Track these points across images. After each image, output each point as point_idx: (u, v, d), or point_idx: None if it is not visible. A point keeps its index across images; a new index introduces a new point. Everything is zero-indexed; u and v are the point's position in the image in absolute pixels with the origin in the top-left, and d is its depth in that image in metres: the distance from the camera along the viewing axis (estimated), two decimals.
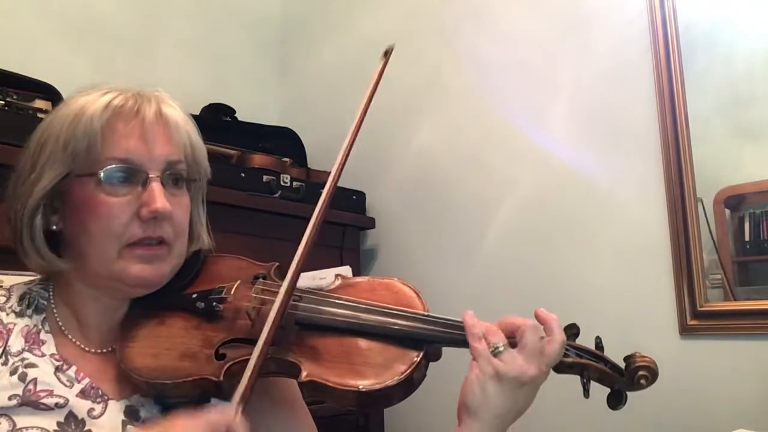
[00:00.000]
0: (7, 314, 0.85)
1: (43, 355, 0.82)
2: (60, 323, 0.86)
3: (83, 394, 0.81)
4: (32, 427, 0.76)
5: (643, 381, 0.83)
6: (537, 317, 0.86)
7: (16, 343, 0.82)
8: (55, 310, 0.87)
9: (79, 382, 0.82)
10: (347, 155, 0.88)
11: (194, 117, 0.94)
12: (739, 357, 1.46)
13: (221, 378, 0.79)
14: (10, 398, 0.77)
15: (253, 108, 2.28)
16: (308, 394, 0.80)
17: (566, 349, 0.85)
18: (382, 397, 0.78)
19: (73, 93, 0.87)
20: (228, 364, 0.80)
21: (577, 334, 0.88)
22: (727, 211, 1.55)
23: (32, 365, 0.81)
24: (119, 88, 0.86)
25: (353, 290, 0.90)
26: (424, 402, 1.93)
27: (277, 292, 0.83)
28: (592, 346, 0.88)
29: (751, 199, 1.53)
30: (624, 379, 0.85)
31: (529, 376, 0.80)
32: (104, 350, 0.87)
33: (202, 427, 0.68)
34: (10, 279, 1.13)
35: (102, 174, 0.81)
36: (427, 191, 2.04)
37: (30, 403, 0.78)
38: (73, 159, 0.81)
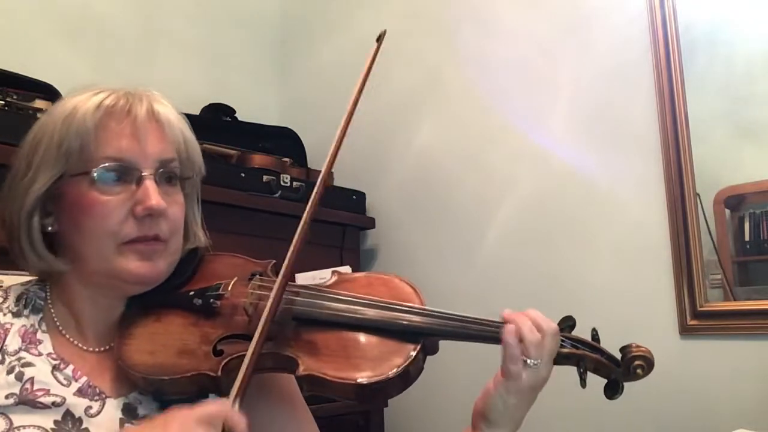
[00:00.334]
0: (4, 314, 0.85)
1: (40, 354, 0.82)
2: (57, 323, 0.87)
3: (80, 392, 0.81)
4: (29, 426, 0.76)
5: (639, 371, 0.85)
6: (511, 317, 0.89)
7: (13, 342, 0.82)
8: (52, 310, 0.87)
9: (76, 380, 0.82)
10: (341, 140, 0.89)
11: (194, 117, 0.94)
12: (739, 357, 1.46)
13: (219, 373, 0.79)
14: (7, 397, 0.77)
15: (253, 108, 2.28)
16: (306, 388, 0.80)
17: (562, 340, 0.88)
18: (380, 390, 0.79)
19: (66, 94, 0.87)
20: (226, 360, 0.80)
21: (573, 327, 0.89)
22: (727, 211, 1.55)
23: (29, 364, 0.81)
24: (111, 87, 0.87)
25: (350, 285, 0.91)
26: (424, 401, 1.93)
27: (272, 288, 0.83)
28: (588, 338, 0.90)
29: (751, 199, 1.53)
30: (620, 369, 0.87)
31: (544, 380, 0.85)
32: (102, 349, 0.87)
33: (199, 420, 0.68)
34: (10, 279, 1.13)
35: (95, 173, 0.81)
36: (427, 191, 2.04)
37: (27, 402, 0.78)
38: (67, 159, 0.81)
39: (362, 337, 0.83)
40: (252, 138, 2.11)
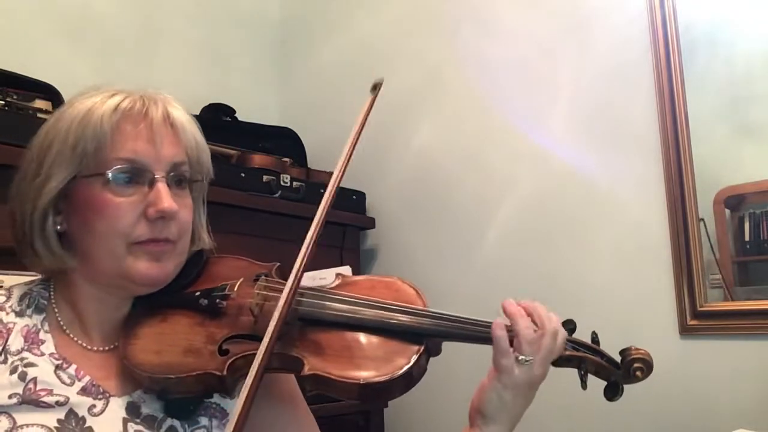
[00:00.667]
0: (7, 314, 0.85)
1: (42, 354, 0.82)
2: (61, 322, 0.87)
3: (84, 391, 0.81)
4: (32, 425, 0.77)
5: (638, 373, 0.87)
6: (533, 314, 0.89)
7: (15, 342, 0.82)
8: (56, 309, 0.87)
9: (79, 380, 0.82)
10: (338, 184, 0.90)
11: (194, 117, 0.94)
12: (739, 357, 1.46)
13: (225, 372, 0.80)
14: (10, 396, 0.78)
15: (253, 108, 2.29)
16: (311, 387, 0.81)
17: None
18: (384, 390, 0.80)
19: (76, 95, 0.87)
20: (231, 359, 0.81)
21: (573, 330, 0.91)
22: (727, 211, 1.55)
23: (32, 364, 0.81)
24: (125, 90, 0.87)
25: (354, 288, 0.92)
26: (425, 402, 1.93)
27: (279, 290, 0.84)
28: (588, 340, 0.91)
29: (751, 199, 1.53)
30: (620, 371, 0.88)
31: (540, 377, 0.85)
32: (106, 348, 0.87)
33: None
34: (10, 279, 1.13)
35: (110, 174, 0.81)
36: (427, 191, 2.05)
37: (30, 401, 0.78)
38: (81, 160, 0.82)
39: (366, 338, 0.84)
40: (252, 138, 2.11)
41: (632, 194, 1.65)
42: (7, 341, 0.82)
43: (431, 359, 0.85)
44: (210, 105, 2.12)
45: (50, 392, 0.79)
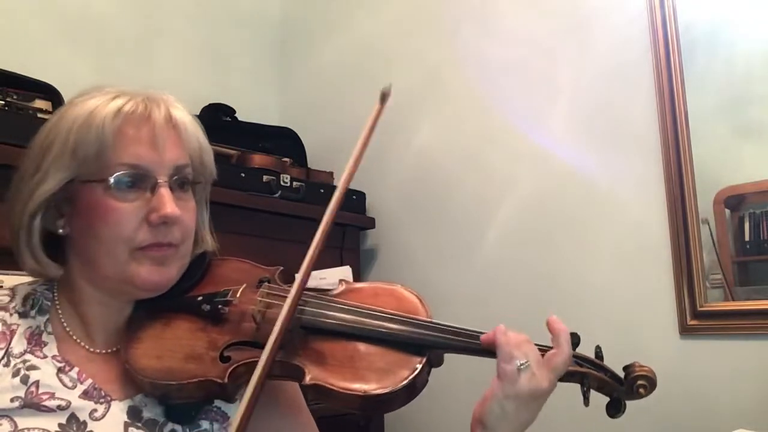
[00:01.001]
0: (11, 314, 0.85)
1: (45, 356, 0.82)
2: (64, 324, 0.86)
3: (86, 395, 0.81)
4: (34, 429, 0.76)
5: (642, 390, 0.85)
6: (549, 325, 0.87)
7: (18, 344, 0.82)
8: (59, 311, 0.87)
9: (81, 383, 0.82)
10: (341, 198, 0.89)
11: (197, 117, 0.94)
12: (739, 357, 1.46)
13: (226, 380, 0.80)
14: (12, 400, 0.78)
15: (253, 108, 2.29)
16: (312, 397, 0.80)
17: None
18: (385, 402, 0.79)
19: (79, 94, 0.87)
20: (233, 366, 0.81)
21: (577, 344, 0.88)
22: (727, 211, 1.55)
23: (34, 367, 0.81)
24: (128, 91, 0.86)
25: (357, 295, 0.91)
26: (424, 403, 1.93)
27: (282, 296, 0.84)
28: (592, 354, 0.89)
29: (751, 199, 1.53)
30: (623, 388, 0.86)
31: (543, 391, 0.82)
32: (108, 351, 0.87)
33: None
34: (11, 279, 1.13)
35: (112, 180, 0.81)
36: (427, 191, 2.04)
37: (32, 405, 0.78)
38: (81, 164, 0.81)
39: (369, 348, 0.83)
40: (252, 138, 2.11)
41: (632, 194, 1.65)
42: (10, 343, 0.82)
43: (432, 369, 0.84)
44: (210, 105, 2.12)
45: (52, 396, 0.79)
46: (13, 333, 0.83)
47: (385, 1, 2.25)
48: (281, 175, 1.91)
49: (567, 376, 0.86)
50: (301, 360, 0.81)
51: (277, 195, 1.88)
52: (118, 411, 0.82)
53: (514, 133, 1.86)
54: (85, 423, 0.79)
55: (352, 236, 2.09)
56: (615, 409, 0.87)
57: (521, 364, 0.81)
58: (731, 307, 1.49)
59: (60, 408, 0.79)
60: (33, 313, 0.86)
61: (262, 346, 0.77)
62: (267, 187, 1.87)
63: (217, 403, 0.88)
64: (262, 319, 0.85)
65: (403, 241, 2.09)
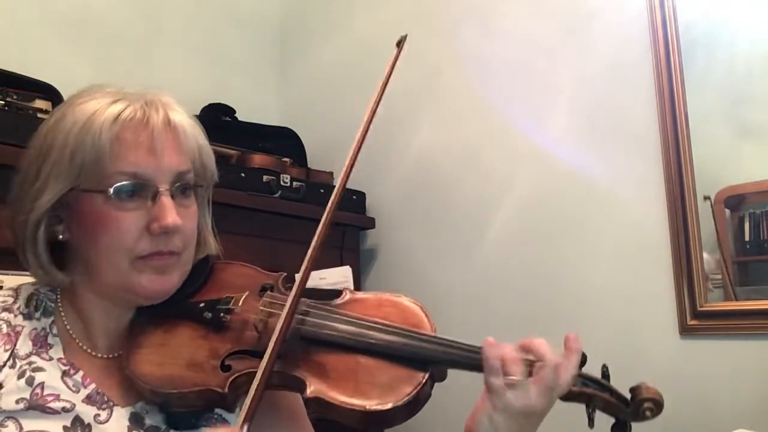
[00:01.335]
0: (15, 316, 0.84)
1: (51, 359, 0.82)
2: (68, 327, 0.86)
3: (89, 399, 0.81)
4: (39, 431, 0.76)
5: (648, 413, 0.82)
6: (566, 342, 0.82)
7: (24, 346, 0.82)
8: (62, 314, 0.87)
9: (85, 387, 0.82)
10: (360, 146, 0.86)
11: (196, 118, 0.93)
12: (739, 357, 1.46)
13: (226, 390, 0.79)
14: (17, 402, 0.77)
15: (253, 108, 2.28)
16: (313, 410, 0.79)
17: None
18: (387, 418, 0.78)
19: (78, 94, 0.85)
20: (233, 376, 0.80)
21: (584, 363, 0.86)
22: (727, 211, 1.54)
23: (39, 369, 0.80)
24: (127, 95, 0.85)
25: (360, 306, 0.90)
26: (423, 411, 1.93)
27: (284, 305, 0.83)
28: (598, 374, 0.86)
29: (751, 199, 1.53)
30: (629, 409, 0.84)
31: (539, 409, 0.79)
32: (110, 356, 0.86)
33: None
34: (11, 279, 1.13)
35: (111, 191, 0.80)
36: (427, 191, 2.04)
37: (37, 407, 0.78)
38: (79, 172, 0.80)
39: (371, 362, 0.82)
40: (252, 138, 2.11)
41: (632, 194, 1.65)
42: (15, 345, 0.81)
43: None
44: (210, 105, 2.12)
45: (57, 398, 0.79)
46: (18, 335, 0.82)
47: (385, 1, 2.25)
48: (281, 175, 1.91)
49: (573, 397, 0.83)
50: (302, 372, 0.80)
51: (277, 195, 1.88)
52: (121, 417, 0.82)
53: (514, 133, 1.86)
54: (89, 426, 0.79)
55: (352, 236, 2.09)
56: (620, 430, 0.85)
57: (509, 379, 0.78)
58: (731, 307, 1.49)
59: (65, 410, 0.79)
60: (38, 314, 0.85)
61: (262, 356, 0.77)
62: (267, 187, 1.87)
63: (218, 410, 0.87)
64: (263, 328, 0.84)
65: (403, 241, 2.09)
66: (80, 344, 0.86)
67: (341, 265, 1.94)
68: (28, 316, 0.85)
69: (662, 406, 0.83)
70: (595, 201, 1.70)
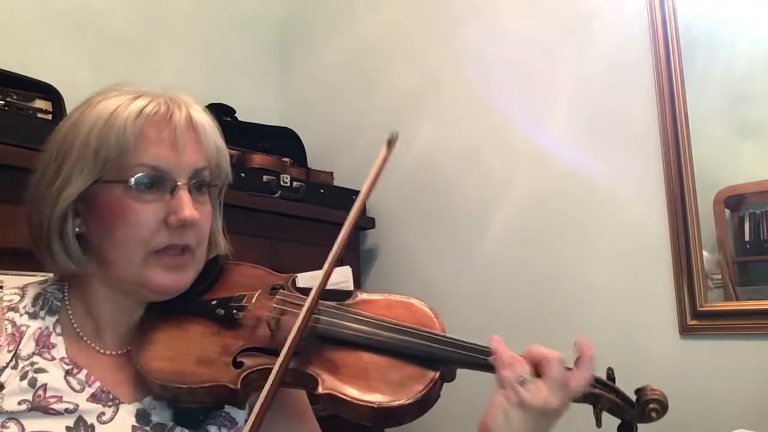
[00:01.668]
0: (21, 315, 0.84)
1: (53, 358, 0.82)
2: (75, 324, 0.86)
3: (94, 398, 0.81)
4: None
5: (653, 414, 0.85)
6: (579, 346, 0.85)
7: (27, 346, 0.82)
8: (69, 311, 0.87)
9: (89, 385, 0.81)
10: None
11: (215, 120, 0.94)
12: (739, 357, 1.46)
13: (238, 386, 0.79)
14: (19, 403, 0.77)
15: (253, 108, 2.28)
16: (324, 406, 0.80)
17: None
18: (397, 415, 0.79)
19: (97, 94, 0.86)
20: (245, 373, 0.80)
21: None
22: (727, 211, 1.55)
23: (42, 370, 0.80)
24: (148, 92, 0.86)
25: (371, 306, 0.91)
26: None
27: (297, 304, 0.84)
28: (603, 376, 0.88)
29: (751, 199, 1.53)
30: (635, 411, 0.86)
31: (553, 408, 0.80)
32: (119, 352, 0.86)
33: None
34: (11, 279, 1.13)
35: (132, 180, 0.80)
36: (427, 191, 2.05)
37: (39, 408, 0.78)
38: (104, 165, 0.81)
39: (383, 361, 0.83)
40: (252, 138, 2.11)
41: (632, 194, 1.65)
42: (19, 345, 0.81)
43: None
44: (210, 105, 2.12)
45: (60, 399, 0.79)
46: (22, 335, 0.82)
47: (385, 1, 2.25)
48: (281, 175, 1.91)
49: (580, 398, 0.85)
50: (314, 369, 0.80)
51: (277, 195, 1.88)
52: (127, 414, 0.81)
53: (514, 133, 1.87)
54: (92, 426, 0.79)
55: (352, 236, 2.09)
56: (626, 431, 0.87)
57: (520, 377, 0.80)
58: (731, 307, 1.49)
59: (68, 411, 0.78)
60: (43, 314, 0.85)
61: (275, 353, 0.77)
62: (267, 187, 1.87)
63: (226, 408, 0.87)
64: (276, 325, 0.84)
65: (403, 241, 2.09)
66: (87, 341, 0.85)
67: (341, 265, 1.93)
68: (33, 316, 0.84)
69: (667, 408, 0.86)
70: (595, 201, 1.70)
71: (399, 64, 2.16)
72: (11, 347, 0.81)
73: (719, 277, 1.53)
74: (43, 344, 0.82)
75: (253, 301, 0.88)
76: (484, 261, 1.89)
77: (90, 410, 0.80)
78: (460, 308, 1.85)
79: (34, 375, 0.79)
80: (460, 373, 0.87)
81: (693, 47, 1.58)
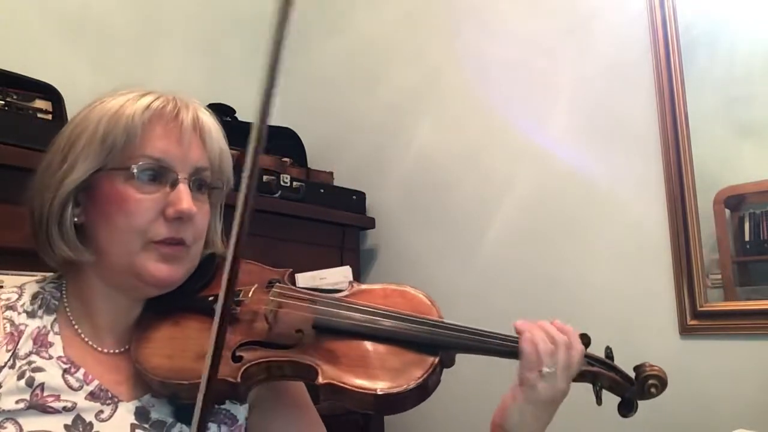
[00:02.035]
0: (19, 314, 0.84)
1: (51, 357, 0.82)
2: (73, 322, 0.86)
3: (92, 396, 0.81)
4: (39, 431, 0.76)
5: (653, 390, 0.87)
6: (558, 327, 0.89)
7: (25, 346, 0.81)
8: (68, 309, 0.87)
9: (88, 384, 0.81)
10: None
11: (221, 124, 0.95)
12: (739, 357, 1.46)
13: (238, 380, 0.79)
14: (17, 402, 0.77)
15: (253, 108, 2.28)
16: (325, 397, 0.80)
17: None
18: (399, 401, 0.79)
19: (105, 93, 0.87)
20: (245, 366, 0.81)
21: (588, 344, 0.89)
22: (727, 211, 1.55)
23: (39, 369, 0.80)
24: (157, 91, 0.88)
25: (368, 296, 0.92)
26: (426, 404, 1.93)
27: (294, 297, 0.85)
28: (602, 355, 0.91)
29: (751, 199, 1.53)
30: (634, 388, 0.88)
31: (561, 394, 0.85)
32: (117, 351, 0.87)
33: None
34: (11, 279, 1.13)
35: (135, 168, 0.82)
36: (427, 191, 2.05)
37: (37, 406, 0.78)
38: (109, 153, 0.82)
39: (381, 348, 0.83)
40: None
41: (632, 194, 1.65)
42: (17, 345, 0.81)
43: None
44: (210, 105, 2.11)
45: (57, 398, 0.79)
46: (21, 334, 0.82)
47: (385, 1, 2.25)
48: (281, 175, 1.91)
49: (579, 377, 0.88)
50: (313, 360, 0.81)
51: (277, 195, 1.88)
52: (126, 412, 0.82)
53: (514, 133, 1.87)
54: (91, 424, 0.79)
55: (352, 236, 2.09)
56: (627, 409, 0.89)
57: (546, 372, 0.83)
58: (731, 307, 1.49)
59: (66, 409, 0.78)
60: (41, 312, 0.85)
61: (274, 346, 0.77)
62: (267, 187, 1.87)
63: (227, 405, 0.88)
64: (274, 318, 0.85)
65: (403, 241, 2.09)
66: (86, 340, 0.85)
67: (341, 265, 1.94)
68: (31, 314, 0.84)
69: (666, 383, 0.88)
70: (595, 201, 1.70)
71: (399, 64, 2.16)
72: (10, 346, 0.81)
73: (719, 277, 1.53)
74: (40, 343, 0.82)
75: (250, 295, 0.88)
76: (484, 261, 1.89)
77: (88, 408, 0.80)
78: (460, 308, 1.84)
79: (32, 374, 0.79)
80: (456, 361, 0.88)
81: (693, 47, 1.58)
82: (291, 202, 1.90)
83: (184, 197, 0.83)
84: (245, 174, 0.58)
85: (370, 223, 2.13)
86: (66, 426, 0.78)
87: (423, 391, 0.80)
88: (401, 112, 2.12)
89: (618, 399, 0.90)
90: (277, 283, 0.91)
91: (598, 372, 0.88)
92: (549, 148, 1.79)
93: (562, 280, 1.72)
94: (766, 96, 1.50)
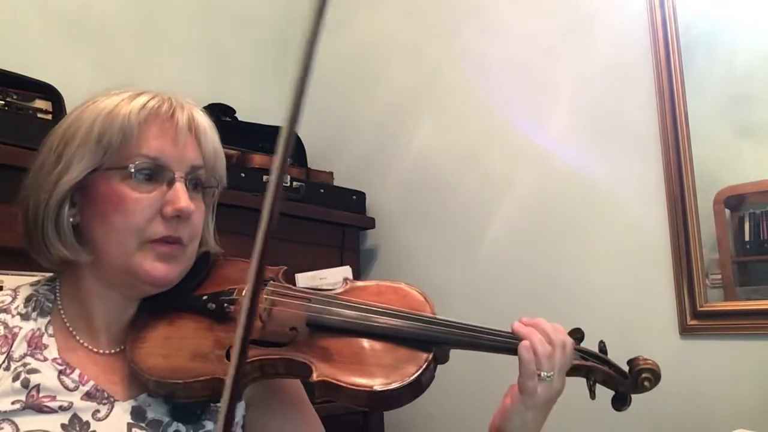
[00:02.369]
0: (13, 316, 0.84)
1: (45, 359, 0.82)
2: (67, 323, 0.86)
3: (88, 396, 0.81)
4: (36, 430, 0.76)
5: (647, 383, 0.88)
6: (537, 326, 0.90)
7: (19, 348, 0.81)
8: (62, 311, 0.87)
9: (83, 384, 0.81)
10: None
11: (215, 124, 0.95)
12: (739, 357, 1.46)
13: None
14: (13, 403, 0.77)
15: (253, 108, 2.28)
16: (319, 394, 0.80)
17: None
18: (393, 398, 0.79)
19: (99, 94, 0.87)
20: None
21: (581, 338, 0.90)
22: (727, 211, 1.55)
23: (34, 371, 0.80)
24: (151, 91, 0.88)
25: (361, 293, 0.91)
26: (424, 401, 1.93)
27: (287, 294, 0.85)
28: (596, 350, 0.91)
29: (751, 199, 1.53)
30: (628, 381, 0.88)
31: (557, 394, 0.86)
32: (112, 351, 0.86)
33: None
34: (11, 279, 1.13)
35: (132, 167, 0.82)
36: (427, 191, 2.05)
37: (33, 406, 0.78)
38: (105, 152, 0.82)
39: (375, 345, 0.83)
40: (252, 138, 2.11)
41: (632, 194, 1.65)
42: (11, 347, 0.81)
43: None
44: (210, 105, 2.12)
45: (53, 398, 0.79)
46: (15, 336, 0.82)
47: (385, 1, 2.25)
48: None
49: (573, 371, 0.89)
50: (307, 357, 0.81)
51: None
52: (122, 412, 0.81)
53: (514, 133, 1.87)
54: (87, 423, 0.79)
55: (352, 236, 2.09)
56: (620, 403, 0.90)
57: (546, 376, 0.84)
58: (731, 307, 1.49)
59: (62, 408, 0.78)
60: (35, 315, 0.85)
61: (268, 344, 0.77)
62: (267, 187, 1.87)
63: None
64: (268, 316, 0.85)
65: (403, 241, 2.09)
66: (80, 341, 0.85)
67: (341, 265, 1.94)
68: (25, 317, 0.84)
69: (660, 376, 0.88)
70: (595, 201, 1.70)
71: (399, 64, 2.16)
72: (4, 349, 0.80)
73: (719, 277, 1.53)
74: (35, 345, 0.82)
75: (244, 293, 0.88)
76: (484, 261, 1.89)
77: (85, 408, 0.80)
78: (460, 308, 1.85)
79: (27, 376, 0.79)
80: (451, 360, 0.88)
81: (693, 47, 1.58)
82: (291, 202, 1.90)
83: (181, 195, 0.83)
84: (272, 177, 0.58)
85: (370, 223, 2.13)
86: (63, 425, 0.78)
87: (417, 387, 0.80)
88: (401, 112, 2.12)
89: (612, 393, 0.91)
90: (271, 281, 0.91)
91: (592, 366, 0.89)
92: (549, 148, 1.80)
93: (562, 280, 1.72)
94: (766, 96, 1.50)
